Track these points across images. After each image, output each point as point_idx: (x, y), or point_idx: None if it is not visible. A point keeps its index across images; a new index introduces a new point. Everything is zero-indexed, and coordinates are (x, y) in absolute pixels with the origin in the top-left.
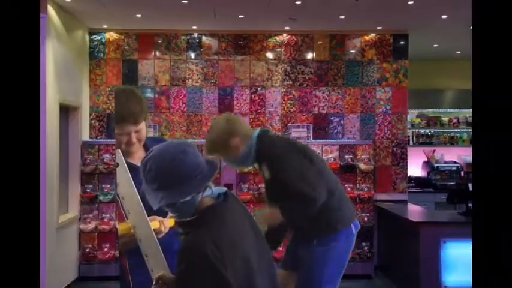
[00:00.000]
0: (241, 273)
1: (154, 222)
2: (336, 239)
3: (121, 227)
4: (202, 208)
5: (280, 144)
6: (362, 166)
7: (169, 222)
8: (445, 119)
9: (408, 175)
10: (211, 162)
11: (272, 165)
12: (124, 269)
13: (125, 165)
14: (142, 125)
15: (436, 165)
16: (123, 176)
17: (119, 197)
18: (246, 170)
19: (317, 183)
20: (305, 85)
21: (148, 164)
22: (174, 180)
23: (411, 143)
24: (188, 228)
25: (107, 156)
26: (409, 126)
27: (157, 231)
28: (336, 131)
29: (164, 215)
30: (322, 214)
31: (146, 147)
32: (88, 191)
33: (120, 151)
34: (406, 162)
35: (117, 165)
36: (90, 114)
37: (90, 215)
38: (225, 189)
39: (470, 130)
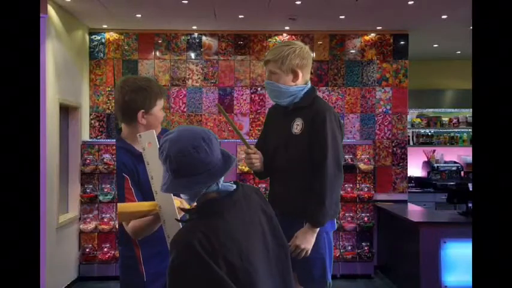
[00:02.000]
0: (240, 270)
1: (176, 201)
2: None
3: (148, 204)
4: (203, 201)
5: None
6: (362, 166)
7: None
8: (445, 119)
9: (408, 175)
10: (227, 159)
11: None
12: (137, 259)
13: (157, 144)
14: None
15: (436, 165)
16: (155, 155)
17: (128, 178)
18: (245, 169)
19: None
20: None
21: (163, 144)
22: (179, 171)
23: (411, 143)
24: (190, 216)
25: (106, 156)
26: (409, 126)
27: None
28: None
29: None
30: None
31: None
32: (88, 191)
33: (154, 130)
34: (406, 162)
35: (149, 144)
36: (90, 114)
37: (90, 215)
38: (234, 186)
39: (470, 130)
